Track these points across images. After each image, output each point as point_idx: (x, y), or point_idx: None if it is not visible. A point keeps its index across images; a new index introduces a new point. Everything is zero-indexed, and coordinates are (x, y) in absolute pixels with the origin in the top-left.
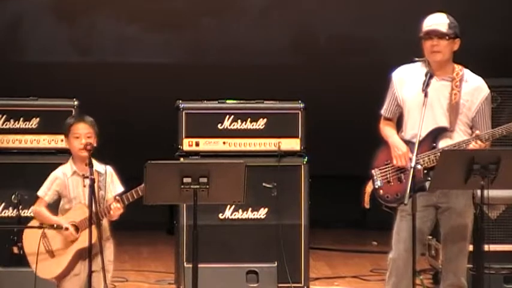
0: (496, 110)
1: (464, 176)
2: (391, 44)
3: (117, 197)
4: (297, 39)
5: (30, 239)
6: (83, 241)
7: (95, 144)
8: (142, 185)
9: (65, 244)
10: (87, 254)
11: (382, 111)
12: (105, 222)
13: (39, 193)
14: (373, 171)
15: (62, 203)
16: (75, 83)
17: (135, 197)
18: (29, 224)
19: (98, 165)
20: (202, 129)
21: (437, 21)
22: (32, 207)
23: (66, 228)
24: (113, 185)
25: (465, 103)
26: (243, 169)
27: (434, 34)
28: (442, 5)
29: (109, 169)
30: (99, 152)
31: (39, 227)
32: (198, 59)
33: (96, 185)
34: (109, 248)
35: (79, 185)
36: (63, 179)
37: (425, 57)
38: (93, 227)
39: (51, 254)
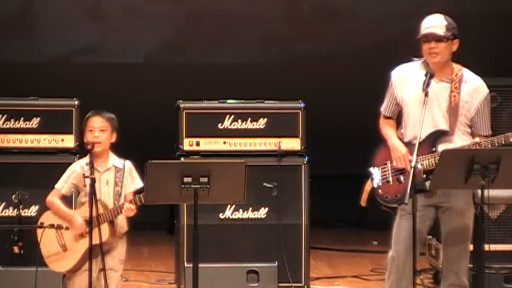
0: (496, 110)
1: (465, 175)
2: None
3: (131, 197)
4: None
5: (44, 237)
6: (95, 237)
7: (112, 140)
8: None
9: (78, 239)
10: (97, 251)
11: (382, 110)
12: (121, 220)
13: (57, 185)
14: (371, 169)
15: (79, 196)
16: (75, 82)
17: None
18: (42, 216)
19: (116, 160)
20: (202, 129)
21: (435, 23)
22: (47, 198)
23: (67, 228)
24: (132, 179)
25: (464, 104)
26: (244, 169)
27: (431, 37)
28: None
29: (128, 164)
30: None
31: (40, 227)
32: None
33: (113, 180)
34: (122, 247)
35: (88, 183)
36: (80, 172)
37: (424, 58)
38: (106, 224)
39: (64, 247)
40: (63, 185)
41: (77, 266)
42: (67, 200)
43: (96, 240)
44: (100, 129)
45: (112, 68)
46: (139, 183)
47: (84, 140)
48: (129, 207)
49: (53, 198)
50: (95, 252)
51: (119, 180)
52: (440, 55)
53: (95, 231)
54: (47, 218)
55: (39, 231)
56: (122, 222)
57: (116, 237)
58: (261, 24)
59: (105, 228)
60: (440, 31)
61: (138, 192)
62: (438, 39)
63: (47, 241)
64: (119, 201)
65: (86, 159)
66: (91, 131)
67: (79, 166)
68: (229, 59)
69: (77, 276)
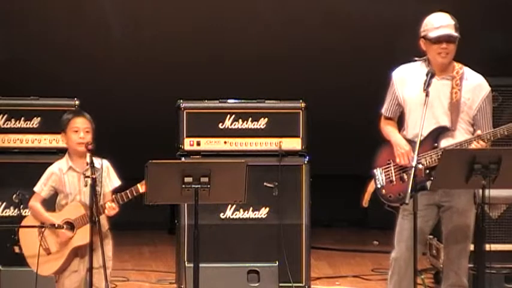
0: (497, 110)
1: (466, 175)
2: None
3: (112, 196)
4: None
5: (27, 237)
6: (79, 239)
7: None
8: (138, 184)
9: (61, 241)
10: (87, 251)
11: (383, 111)
12: (102, 219)
13: (36, 188)
14: (375, 170)
15: (58, 198)
16: (75, 82)
17: (130, 196)
18: (24, 221)
19: (93, 160)
20: (203, 128)
21: (445, 23)
22: (29, 203)
23: (67, 228)
24: (109, 178)
25: (466, 101)
26: (244, 169)
27: (445, 39)
28: (442, 3)
29: (105, 163)
30: (99, 151)
31: (40, 226)
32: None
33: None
34: (107, 245)
35: (75, 181)
36: (59, 174)
37: (426, 57)
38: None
39: (48, 251)
40: (42, 188)
41: (62, 268)
42: (47, 202)
43: (82, 241)
44: (85, 130)
45: (112, 66)
46: (117, 182)
47: (64, 141)
48: (111, 206)
49: (35, 203)
50: (82, 252)
51: (97, 179)
52: (450, 55)
53: (80, 231)
54: (29, 221)
55: (22, 232)
56: (102, 221)
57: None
58: (261, 24)
59: (86, 228)
60: (453, 31)
61: (116, 191)
62: (450, 39)
63: (31, 244)
64: (99, 201)
65: (64, 160)
66: (76, 131)
67: (57, 168)
68: (230, 58)
69: (66, 278)
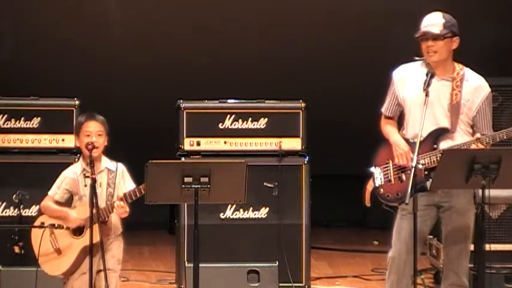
0: (497, 110)
1: (466, 175)
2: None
3: (120, 195)
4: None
5: (38, 238)
6: (88, 238)
7: (105, 143)
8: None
9: (72, 241)
10: (98, 251)
11: (383, 110)
12: (115, 220)
13: (50, 192)
14: (373, 169)
15: (74, 200)
16: (75, 82)
17: (138, 195)
18: (37, 220)
19: (108, 163)
20: (203, 128)
21: (432, 21)
22: (41, 203)
23: (68, 228)
24: (124, 182)
25: (466, 103)
26: (244, 169)
27: (428, 36)
28: (443, 2)
29: (120, 166)
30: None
31: (40, 227)
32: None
33: (105, 182)
34: (118, 247)
35: (88, 183)
36: (73, 177)
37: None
38: (98, 224)
39: (59, 251)
40: (56, 191)
41: (72, 269)
42: (62, 205)
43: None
44: (97, 133)
45: (112, 66)
46: (131, 185)
47: (78, 144)
48: (119, 205)
49: (46, 202)
50: (92, 252)
51: (111, 181)
52: (438, 53)
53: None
54: (44, 220)
55: (34, 232)
56: (116, 223)
57: (109, 236)
58: (261, 24)
59: (97, 228)
60: (437, 29)
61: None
62: (435, 37)
63: (43, 244)
64: (110, 202)
65: (78, 164)
66: (88, 135)
67: (72, 171)
68: (230, 58)
69: (75, 280)
